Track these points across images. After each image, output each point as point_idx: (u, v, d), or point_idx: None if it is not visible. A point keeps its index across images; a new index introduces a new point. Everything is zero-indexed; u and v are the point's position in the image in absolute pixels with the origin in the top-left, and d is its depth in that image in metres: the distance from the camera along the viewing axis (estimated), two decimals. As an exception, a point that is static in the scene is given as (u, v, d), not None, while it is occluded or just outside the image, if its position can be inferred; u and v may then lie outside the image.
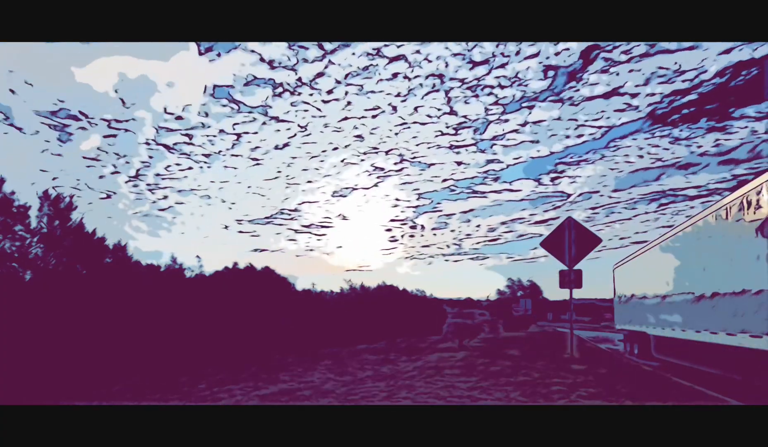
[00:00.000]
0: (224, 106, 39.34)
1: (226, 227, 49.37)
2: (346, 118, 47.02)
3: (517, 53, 38.32)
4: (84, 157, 35.44)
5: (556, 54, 36.89)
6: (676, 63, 35.73)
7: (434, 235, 67.81)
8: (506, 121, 46.29)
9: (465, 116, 46.03)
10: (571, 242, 11.34)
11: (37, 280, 9.07)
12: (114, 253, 11.16)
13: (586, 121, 42.20)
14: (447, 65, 41.13)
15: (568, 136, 47.90)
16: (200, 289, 12.71)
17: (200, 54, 34.95)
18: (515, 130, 46.65)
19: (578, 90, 39.91)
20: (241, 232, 50.64)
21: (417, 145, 52.62)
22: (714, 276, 7.67)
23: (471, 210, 61.72)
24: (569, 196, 51.05)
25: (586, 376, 7.77)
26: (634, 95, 38.77)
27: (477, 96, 41.47)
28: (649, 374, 8.15)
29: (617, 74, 38.63)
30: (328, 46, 34.59)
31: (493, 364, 9.72)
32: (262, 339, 13.17)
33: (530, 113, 43.28)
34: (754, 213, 6.27)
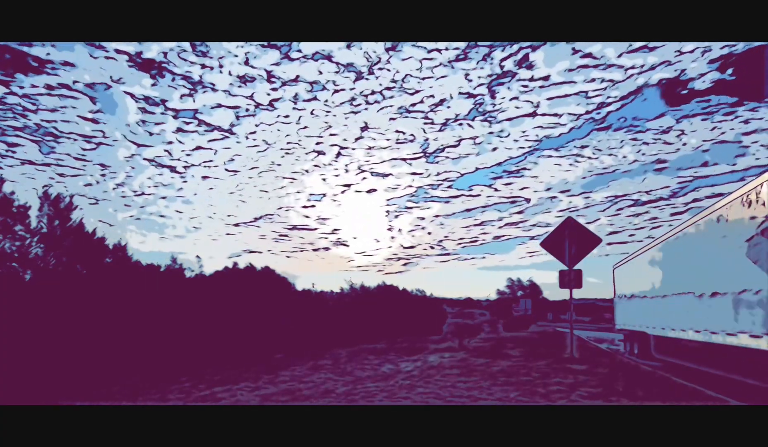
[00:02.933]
0: (198, 125, 44.72)
1: (217, 231, 51.98)
2: (307, 136, 54.98)
3: (442, 86, 47.72)
4: (70, 166, 37.11)
5: (475, 88, 45.73)
6: (586, 92, 42.70)
7: (413, 236, 73.97)
8: (444, 138, 53.99)
9: (412, 134, 53.21)
10: (571, 242, 11.34)
11: (37, 280, 9.07)
12: (114, 253, 11.16)
13: (522, 136, 50.74)
14: (384, 97, 48.24)
15: (509, 148, 56.37)
16: (200, 289, 12.71)
17: (169, 85, 39.65)
18: (455, 145, 53.21)
19: (502, 111, 47.35)
20: (228, 234, 54.25)
21: (374, 158, 59.75)
22: (714, 276, 7.68)
23: (441, 215, 69.20)
24: (529, 200, 57.01)
25: (586, 376, 7.77)
26: (558, 115, 45.94)
27: (416, 118, 49.45)
28: (649, 374, 8.16)
29: (535, 103, 46.09)
30: (277, 82, 42.44)
31: (493, 364, 9.72)
32: (263, 339, 13.16)
33: (463, 130, 51.07)
34: (754, 213, 6.27)
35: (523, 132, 51.27)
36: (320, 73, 47.12)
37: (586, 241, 11.43)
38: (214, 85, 42.68)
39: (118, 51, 33.75)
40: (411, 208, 69.38)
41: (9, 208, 9.09)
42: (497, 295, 73.86)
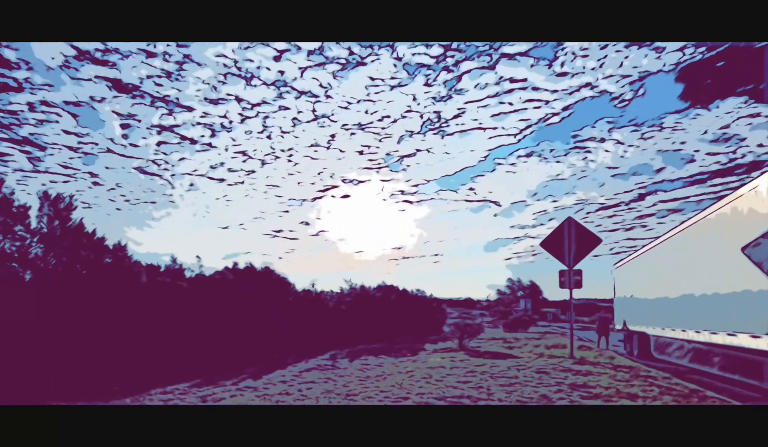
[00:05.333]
0: (182, 139, 49.33)
1: (208, 233, 57.36)
2: (281, 150, 61.02)
3: (394, 109, 53.34)
4: (60, 173, 39.03)
5: (425, 108, 50.65)
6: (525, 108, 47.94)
7: (397, 238, 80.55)
8: (404, 149, 62.01)
9: (377, 147, 63.50)
10: (570, 242, 11.35)
11: (37, 280, 9.07)
12: (114, 253, 11.15)
13: (474, 146, 58.04)
14: (343, 116, 54.31)
15: (467, 158, 63.46)
16: (200, 289, 12.70)
17: (152, 104, 42.79)
18: (412, 155, 59.66)
19: (449, 126, 53.63)
20: (217, 237, 59.20)
21: (345, 167, 68.56)
22: (714, 276, 7.67)
23: (419, 218, 75.76)
24: (500, 204, 63.70)
25: (587, 376, 7.77)
26: (505, 127, 52.94)
27: (375, 133, 56.95)
28: (649, 374, 8.16)
29: (479, 120, 52.29)
30: (245, 104, 47.00)
31: (493, 365, 9.73)
32: (262, 339, 13.16)
33: (417, 142, 58.94)
34: (754, 213, 6.27)
35: (475, 143, 60.08)
36: (283, 97, 54.30)
37: (585, 241, 11.45)
38: (191, 107, 48.57)
39: (98, 76, 36.16)
40: (387, 212, 76.82)
41: (9, 208, 9.09)
42: (497, 295, 74.06)
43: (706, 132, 42.93)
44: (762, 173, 6.17)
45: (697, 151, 45.01)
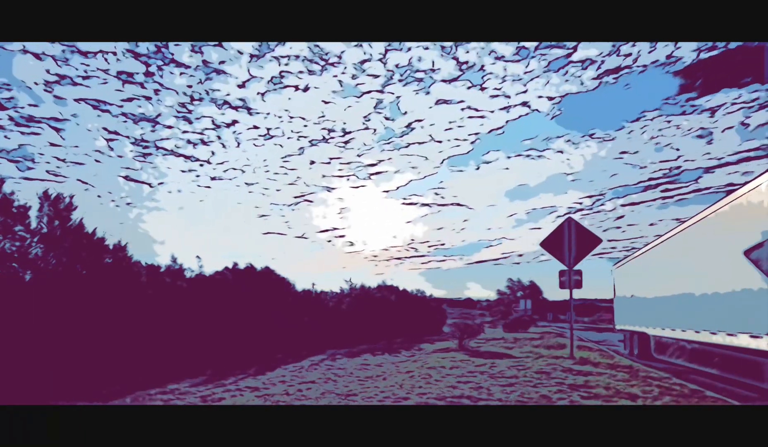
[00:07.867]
0: (168, 152, 52.47)
1: (201, 237, 59.32)
2: (257, 161, 66.33)
3: (350, 125, 57.27)
4: (49, 180, 40.77)
5: (376, 125, 51.18)
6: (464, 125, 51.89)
7: (384, 240, 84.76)
8: (367, 159, 67.11)
9: (345, 159, 69.48)
10: (571, 242, 11.36)
11: (37, 280, 9.06)
12: (114, 253, 11.14)
13: (432, 158, 61.79)
14: (308, 132, 60.62)
15: (428, 167, 67.24)
16: (200, 289, 12.69)
17: (135, 123, 47.78)
18: (374, 164, 66.26)
19: (402, 139, 58.15)
20: (209, 239, 61.22)
21: (316, 176, 74.49)
22: (713, 276, 7.68)
23: (401, 221, 77.90)
24: (472, 208, 68.90)
25: (586, 376, 7.78)
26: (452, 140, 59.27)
27: (340, 146, 61.51)
28: (649, 374, 8.16)
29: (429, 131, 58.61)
30: (219, 122, 49.36)
31: (493, 365, 9.73)
32: (262, 339, 13.16)
33: (377, 154, 67.38)
34: (755, 213, 6.27)
35: (431, 154, 68.38)
36: (250, 115, 60.35)
37: (586, 241, 11.44)
38: (170, 125, 52.02)
39: (81, 98, 38.91)
40: (365, 217, 79.66)
41: (9, 208, 9.08)
42: (497, 295, 73.99)
43: (642, 141, 48.28)
44: (763, 172, 6.17)
45: (645, 160, 50.08)
